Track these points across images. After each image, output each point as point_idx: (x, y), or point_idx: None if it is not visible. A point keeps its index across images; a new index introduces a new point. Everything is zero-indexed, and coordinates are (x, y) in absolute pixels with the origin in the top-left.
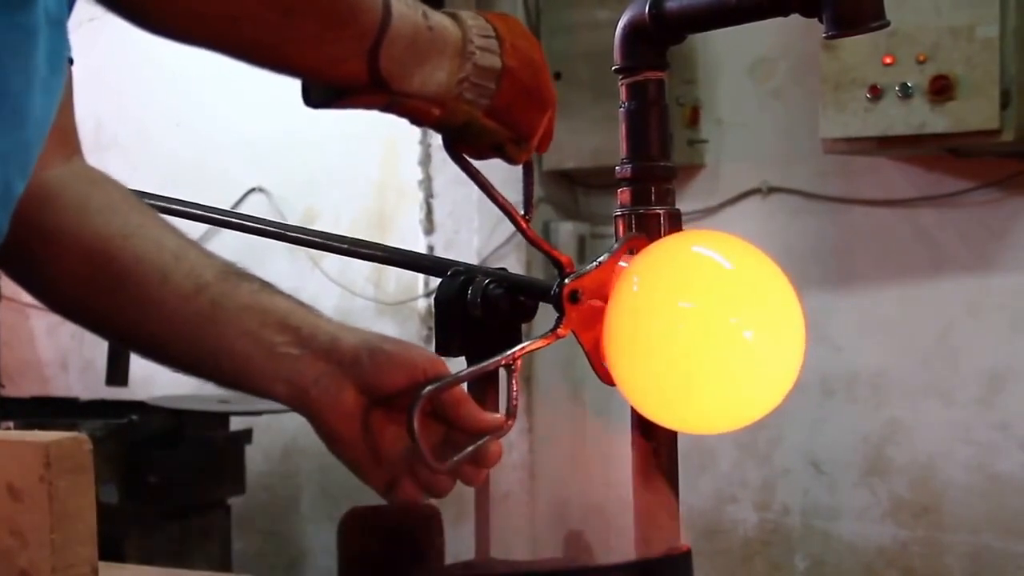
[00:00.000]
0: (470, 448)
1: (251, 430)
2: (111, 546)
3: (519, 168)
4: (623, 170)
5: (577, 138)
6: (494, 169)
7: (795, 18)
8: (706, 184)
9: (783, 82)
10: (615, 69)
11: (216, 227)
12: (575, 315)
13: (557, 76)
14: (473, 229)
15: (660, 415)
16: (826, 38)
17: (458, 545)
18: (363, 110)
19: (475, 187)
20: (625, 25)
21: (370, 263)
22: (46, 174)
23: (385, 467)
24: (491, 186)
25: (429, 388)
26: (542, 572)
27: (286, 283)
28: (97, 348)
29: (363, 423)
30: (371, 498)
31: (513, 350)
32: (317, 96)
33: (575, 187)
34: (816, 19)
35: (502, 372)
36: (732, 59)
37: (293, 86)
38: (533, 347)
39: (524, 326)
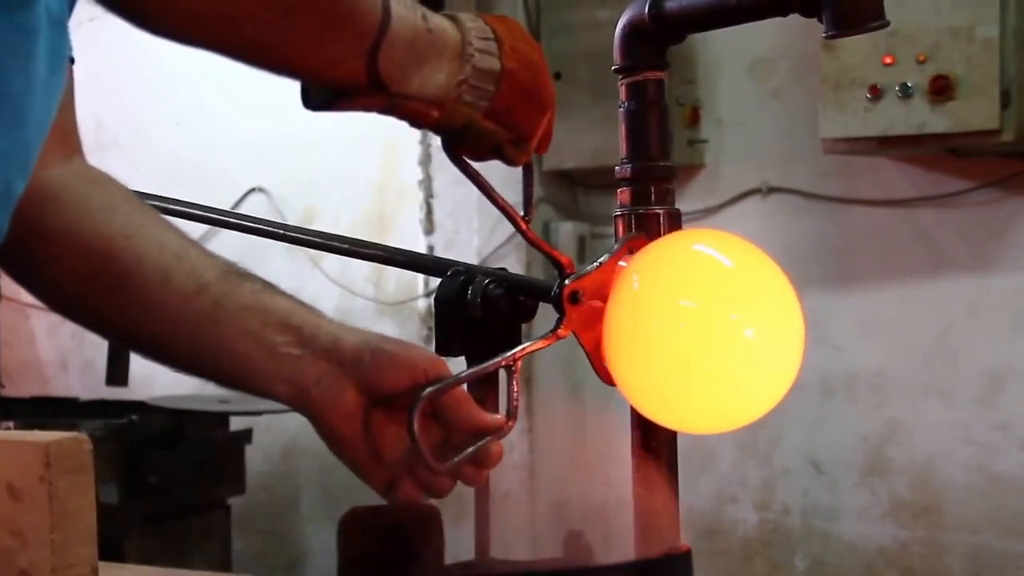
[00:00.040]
0: (470, 449)
1: (251, 430)
2: (111, 546)
3: (519, 169)
4: (623, 170)
5: (577, 138)
6: (494, 170)
7: (795, 18)
8: (706, 184)
9: (783, 82)
10: (615, 69)
11: (216, 227)
12: (576, 316)
13: (557, 76)
14: (473, 229)
15: (660, 415)
16: (826, 38)
17: (458, 545)
18: (362, 112)
19: (475, 187)
20: (625, 25)
21: (370, 263)
22: (47, 174)
23: (385, 467)
24: (491, 187)
25: (429, 389)
26: (542, 572)
27: (286, 283)
28: (97, 348)
29: (364, 423)
30: (371, 498)
31: (513, 351)
32: (316, 98)
33: (575, 187)
34: (816, 19)
35: (502, 373)
36: (732, 59)
37: (293, 86)
38: (533, 348)
39: (524, 326)
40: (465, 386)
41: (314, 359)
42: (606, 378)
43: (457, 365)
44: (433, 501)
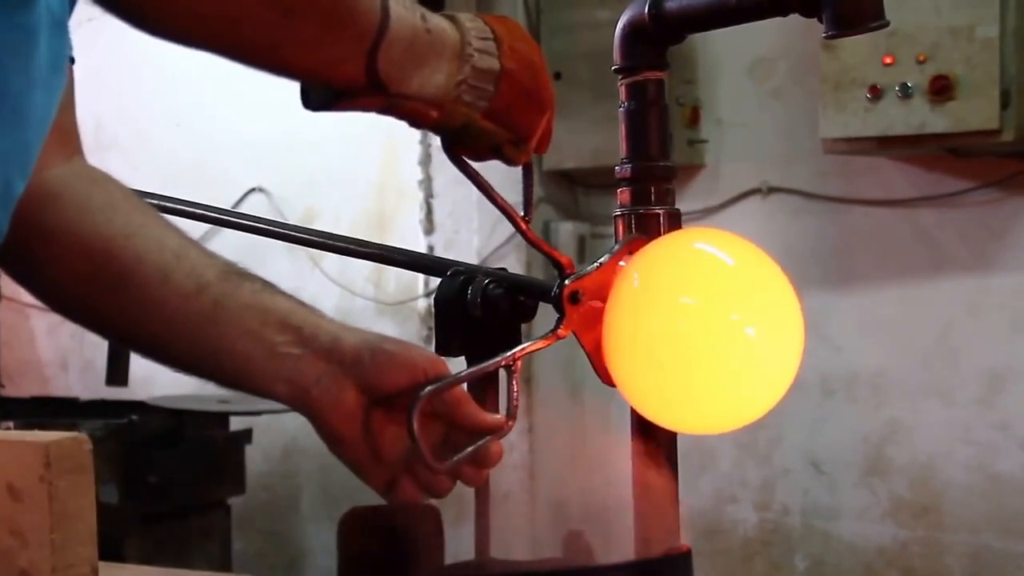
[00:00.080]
0: (470, 448)
1: (251, 430)
2: (111, 546)
3: (519, 169)
4: (623, 170)
5: (577, 138)
6: (494, 170)
7: (795, 18)
8: (706, 184)
9: (783, 82)
10: (615, 69)
11: (216, 227)
12: (576, 316)
13: (557, 76)
14: (473, 229)
15: (660, 415)
16: (826, 38)
17: (458, 545)
18: (362, 112)
19: (475, 187)
20: (625, 25)
21: (370, 263)
22: (47, 174)
23: (385, 467)
24: (490, 187)
25: (429, 388)
26: (542, 572)
27: (286, 283)
28: (97, 348)
29: (364, 423)
30: (371, 498)
31: (513, 351)
32: (316, 98)
33: (575, 187)
34: (816, 19)
35: (502, 373)
36: (732, 59)
37: (293, 86)
38: (533, 348)
39: (524, 326)
40: (465, 386)
41: (314, 359)
42: (606, 378)
43: (457, 365)
44: (433, 501)
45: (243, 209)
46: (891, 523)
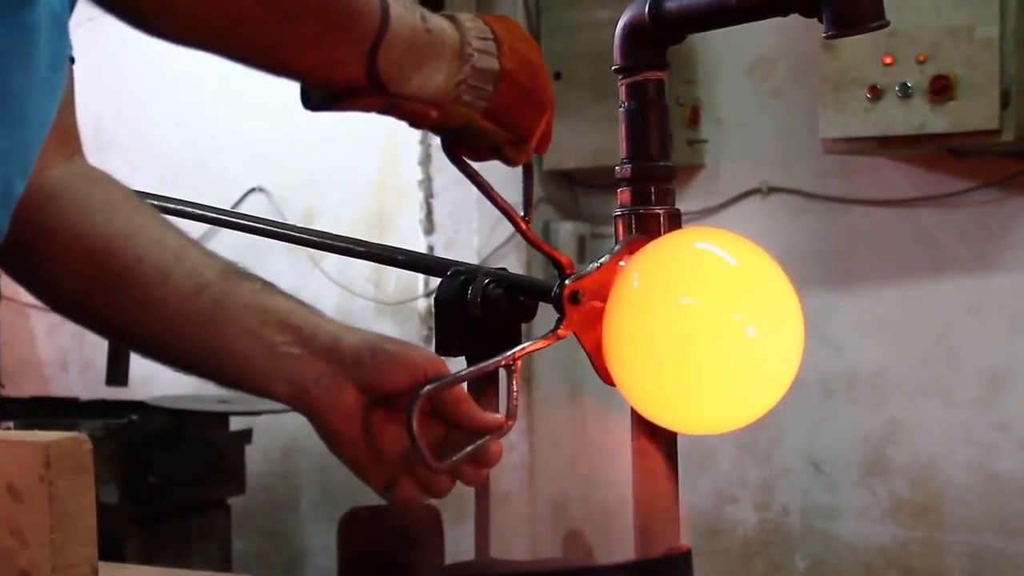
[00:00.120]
0: (470, 448)
1: (251, 430)
2: (111, 546)
3: (519, 169)
4: (623, 170)
5: (577, 138)
6: (493, 170)
7: (795, 18)
8: (706, 184)
9: (783, 82)
10: (615, 69)
11: (216, 227)
12: (576, 316)
13: (557, 76)
14: (473, 229)
15: (660, 415)
16: (826, 38)
17: (458, 545)
18: (362, 112)
19: (475, 187)
20: (625, 25)
21: (370, 263)
22: (47, 173)
23: (385, 467)
24: (490, 188)
25: (428, 387)
26: (542, 572)
27: (286, 283)
28: (97, 348)
29: (364, 423)
30: (371, 498)
31: (513, 351)
32: (316, 99)
33: (575, 187)
34: (816, 19)
35: (502, 372)
36: (732, 59)
37: (293, 87)
38: (533, 348)
39: (524, 326)
40: (464, 385)
41: (314, 359)
42: (606, 378)
43: (457, 365)
44: (433, 501)
45: (243, 209)
46: (891, 523)
